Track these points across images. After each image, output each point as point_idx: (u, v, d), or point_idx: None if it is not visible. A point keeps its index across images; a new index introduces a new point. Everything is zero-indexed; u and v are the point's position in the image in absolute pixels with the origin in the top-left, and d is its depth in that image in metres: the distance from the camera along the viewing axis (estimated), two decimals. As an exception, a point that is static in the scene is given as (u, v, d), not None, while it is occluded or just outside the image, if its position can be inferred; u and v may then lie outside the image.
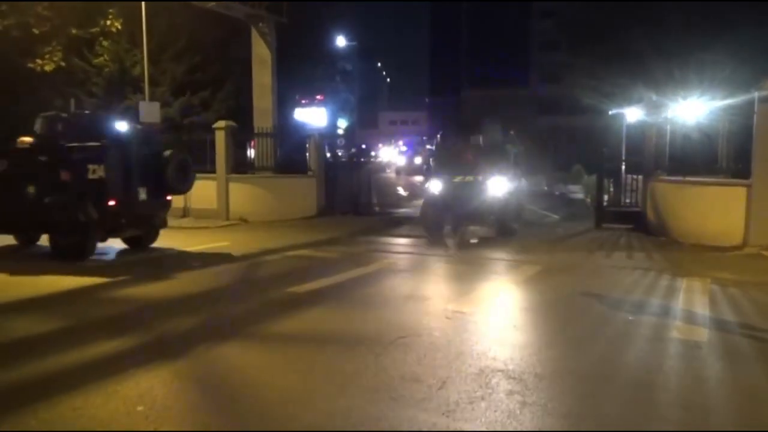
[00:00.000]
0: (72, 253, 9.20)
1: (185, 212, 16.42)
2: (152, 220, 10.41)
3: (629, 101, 15.29)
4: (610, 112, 15.85)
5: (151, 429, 3.46)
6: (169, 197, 10.61)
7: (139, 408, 3.76)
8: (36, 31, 17.12)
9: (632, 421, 3.65)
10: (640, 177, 13.71)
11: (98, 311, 6.43)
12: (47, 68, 18.14)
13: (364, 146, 48.32)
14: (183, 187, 10.73)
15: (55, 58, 18.05)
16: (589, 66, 20.35)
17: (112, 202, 9.27)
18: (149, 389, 4.08)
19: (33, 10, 16.70)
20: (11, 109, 20.66)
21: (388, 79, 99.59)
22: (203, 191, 16.28)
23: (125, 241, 10.61)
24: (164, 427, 3.49)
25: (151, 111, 15.31)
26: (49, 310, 6.52)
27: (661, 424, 3.64)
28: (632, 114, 14.39)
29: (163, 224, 10.75)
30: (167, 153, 10.17)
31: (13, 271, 8.41)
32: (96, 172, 9.21)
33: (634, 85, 16.15)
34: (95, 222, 9.27)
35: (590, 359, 4.82)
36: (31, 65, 18.15)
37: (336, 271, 8.55)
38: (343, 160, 27.75)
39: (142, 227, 10.33)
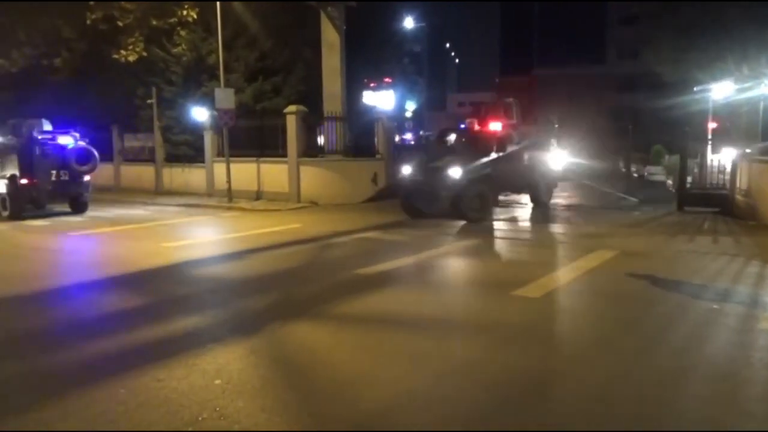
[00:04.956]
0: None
1: (258, 195, 16.97)
2: None
3: (716, 76, 14.29)
4: (694, 89, 14.92)
5: (228, 402, 3.63)
6: None
7: (217, 381, 3.95)
8: (120, 24, 18.06)
9: (714, 416, 3.46)
10: (728, 157, 12.85)
11: (180, 289, 6.79)
12: (130, 58, 19.13)
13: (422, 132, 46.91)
14: None
15: (138, 49, 18.99)
16: (671, 40, 19.12)
17: None
18: (226, 364, 4.27)
19: (117, 3, 17.61)
20: (101, 98, 22.04)
21: (457, 60, 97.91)
22: (275, 175, 16.77)
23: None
24: (240, 400, 3.65)
25: (226, 97, 15.80)
26: (134, 285, 6.95)
27: (745, 419, 3.43)
28: (720, 90, 13.46)
29: None
30: None
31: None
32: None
33: (722, 59, 15.06)
34: None
35: (669, 349, 4.60)
36: (116, 56, 19.19)
37: (404, 254, 8.58)
38: (412, 142, 27.68)
39: None
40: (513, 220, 12.92)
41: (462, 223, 11.71)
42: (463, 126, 14.51)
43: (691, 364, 4.27)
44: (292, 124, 16.42)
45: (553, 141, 15.17)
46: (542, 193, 14.40)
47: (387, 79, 44.22)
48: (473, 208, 11.74)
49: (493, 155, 12.38)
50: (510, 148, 12.94)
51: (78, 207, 14.22)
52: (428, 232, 10.70)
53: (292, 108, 16.69)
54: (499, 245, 9.55)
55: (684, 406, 3.61)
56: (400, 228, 11.31)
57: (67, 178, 13.60)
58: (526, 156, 13.58)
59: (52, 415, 3.51)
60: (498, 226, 11.74)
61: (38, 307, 6.09)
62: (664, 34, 20.04)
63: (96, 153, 14.11)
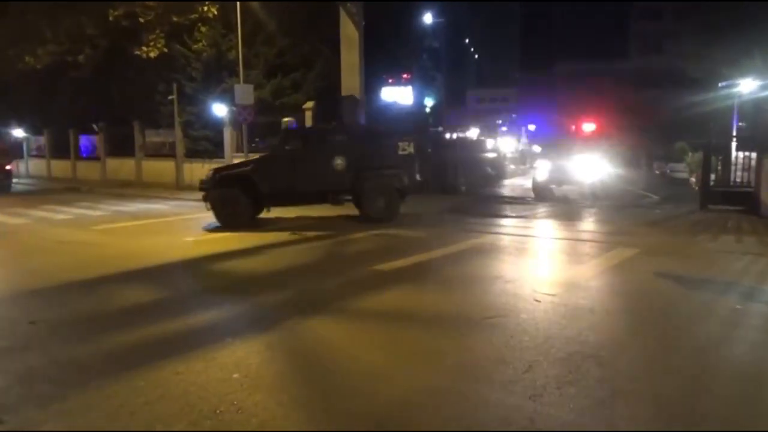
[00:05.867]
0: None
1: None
2: None
3: (742, 72, 13.99)
4: (719, 84, 14.63)
5: (246, 396, 3.66)
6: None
7: (235, 375, 3.98)
8: (141, 20, 18.26)
9: (735, 418, 3.40)
10: (753, 154, 12.57)
11: (199, 283, 6.86)
12: (152, 54, 19.33)
13: (440, 128, 46.05)
14: None
15: (159, 45, 19.19)
16: (697, 35, 18.78)
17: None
18: (244, 358, 4.30)
19: (140, 1, 17.81)
20: (123, 93, 22.32)
21: (476, 56, 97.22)
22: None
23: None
24: (257, 394, 3.68)
25: (245, 93, 15.90)
26: (155, 279, 7.03)
27: (771, 422, 3.37)
28: (746, 85, 13.17)
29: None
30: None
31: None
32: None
33: (748, 54, 14.73)
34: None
35: (691, 349, 4.52)
36: (137, 52, 19.42)
37: (422, 250, 8.56)
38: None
39: None
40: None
41: (480, 220, 11.63)
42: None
43: (715, 365, 4.20)
44: (310, 119, 16.48)
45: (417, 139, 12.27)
46: (369, 202, 11.50)
47: (405, 75, 44.12)
48: (226, 213, 10.94)
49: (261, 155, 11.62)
50: (275, 149, 11.49)
51: (3, 188, 19.37)
52: (446, 230, 10.67)
53: (310, 104, 16.76)
54: (515, 243, 9.48)
55: (708, 406, 3.55)
56: (417, 224, 11.28)
57: None
58: (337, 158, 11.27)
59: (74, 407, 3.57)
60: (513, 224, 11.65)
61: (60, 300, 6.19)
62: (689, 28, 19.69)
63: (10, 151, 21.41)
